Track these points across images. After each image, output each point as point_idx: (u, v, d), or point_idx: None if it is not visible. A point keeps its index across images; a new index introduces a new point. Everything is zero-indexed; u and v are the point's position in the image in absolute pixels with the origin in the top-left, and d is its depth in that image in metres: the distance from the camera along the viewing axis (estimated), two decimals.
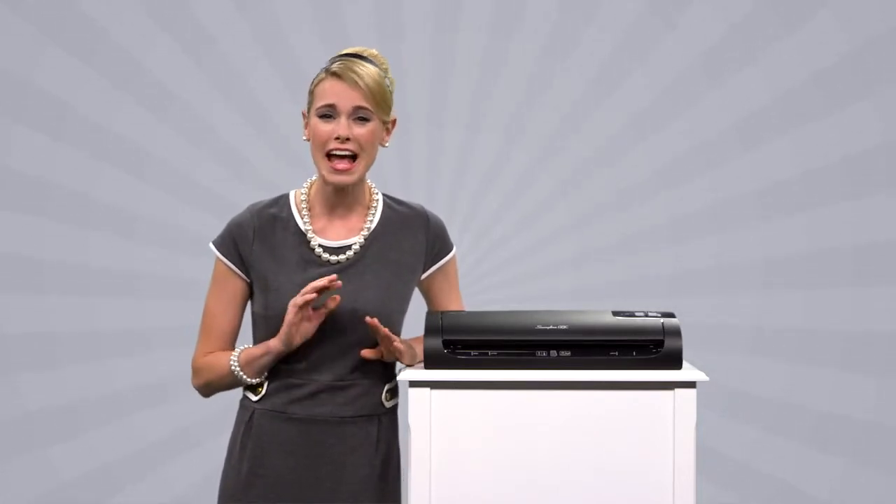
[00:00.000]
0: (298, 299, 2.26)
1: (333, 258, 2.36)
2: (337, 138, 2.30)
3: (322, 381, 2.35)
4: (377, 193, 2.44)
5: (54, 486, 3.98)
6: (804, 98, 3.99)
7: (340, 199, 2.38)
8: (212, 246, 2.40)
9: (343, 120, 2.30)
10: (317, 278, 2.31)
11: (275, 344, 2.33)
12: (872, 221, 3.98)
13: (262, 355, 2.34)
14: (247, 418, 2.38)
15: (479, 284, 3.90)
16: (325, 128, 2.30)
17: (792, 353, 3.99)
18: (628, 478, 2.15)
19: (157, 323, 3.95)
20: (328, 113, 2.31)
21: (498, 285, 3.97)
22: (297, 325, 2.29)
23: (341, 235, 2.39)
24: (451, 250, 2.47)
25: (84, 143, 3.98)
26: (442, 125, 4.00)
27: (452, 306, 2.49)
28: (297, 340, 2.31)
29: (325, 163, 2.32)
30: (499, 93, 4.02)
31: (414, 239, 2.42)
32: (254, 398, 2.38)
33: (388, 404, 2.40)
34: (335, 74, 2.30)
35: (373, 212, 2.41)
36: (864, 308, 3.98)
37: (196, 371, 2.42)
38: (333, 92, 2.30)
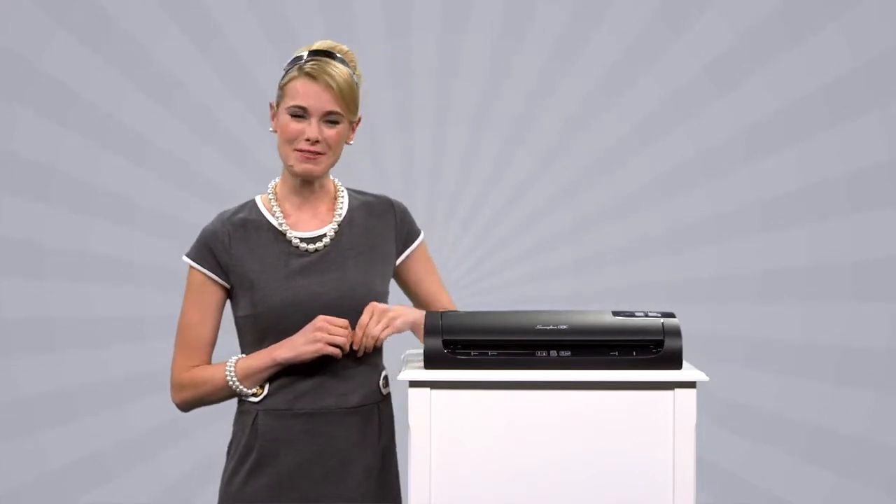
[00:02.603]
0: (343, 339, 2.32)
1: (311, 247, 2.39)
2: (307, 140, 2.34)
3: (324, 372, 2.36)
4: (341, 186, 2.48)
5: (46, 472, 3.98)
6: (809, 111, 3.99)
7: (309, 192, 2.42)
8: (186, 259, 2.40)
9: (314, 122, 2.34)
10: (299, 268, 2.36)
11: (283, 355, 2.33)
12: (873, 237, 3.98)
13: (266, 367, 2.35)
14: (250, 422, 2.37)
15: (479, 285, 3.90)
16: (296, 126, 2.34)
17: (787, 365, 3.99)
18: (628, 478, 2.15)
19: (154, 312, 3.95)
20: (299, 113, 2.34)
21: (498, 286, 3.97)
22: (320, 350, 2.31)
23: (314, 226, 2.42)
24: (420, 233, 2.51)
25: (88, 131, 3.98)
26: (446, 125, 4.01)
27: (437, 291, 2.52)
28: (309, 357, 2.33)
29: (293, 155, 2.36)
30: (504, 94, 4.02)
31: (383, 224, 2.46)
32: (255, 400, 2.37)
33: (384, 391, 2.42)
34: (309, 75, 2.34)
35: (341, 201, 2.44)
36: (862, 324, 3.98)
37: (180, 387, 2.40)
38: (306, 93, 2.34)
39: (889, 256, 3.98)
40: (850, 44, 3.98)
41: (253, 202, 2.43)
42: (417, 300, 2.52)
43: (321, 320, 2.31)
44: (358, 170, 3.79)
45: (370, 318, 2.33)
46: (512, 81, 4.02)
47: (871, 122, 3.98)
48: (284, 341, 2.34)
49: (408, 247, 2.49)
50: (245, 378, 2.35)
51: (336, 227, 2.41)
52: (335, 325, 2.31)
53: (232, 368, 2.36)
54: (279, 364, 2.34)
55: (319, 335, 2.30)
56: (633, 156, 4.04)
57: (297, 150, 2.35)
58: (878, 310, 3.98)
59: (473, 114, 4.01)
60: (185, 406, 2.42)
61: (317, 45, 2.39)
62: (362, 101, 2.41)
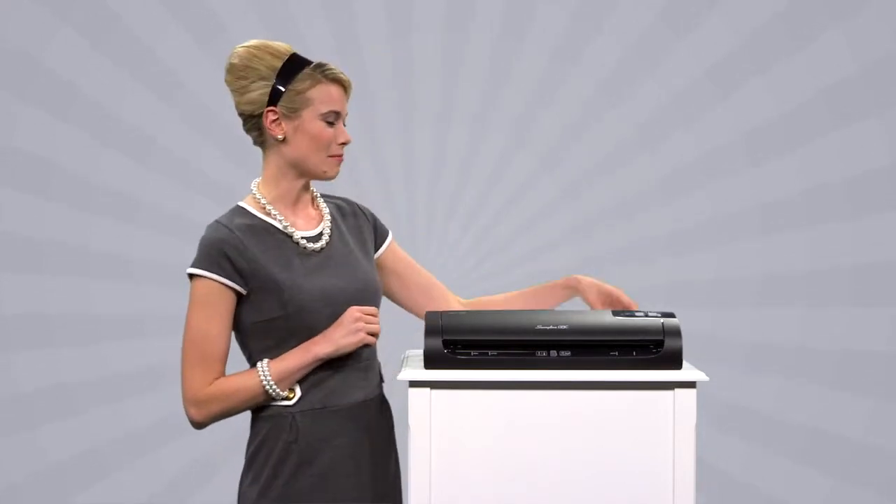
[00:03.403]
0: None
1: (317, 246, 2.40)
2: (343, 143, 2.41)
3: (347, 366, 2.37)
4: (315, 190, 2.52)
5: (44, 468, 3.98)
6: (810, 114, 4.00)
7: (302, 194, 2.44)
8: (197, 270, 2.34)
9: (341, 125, 2.41)
10: (315, 266, 2.37)
11: (324, 350, 2.33)
12: (874, 241, 3.99)
13: (306, 366, 2.33)
14: (286, 426, 2.35)
15: (479, 286, 3.90)
16: (331, 131, 2.39)
17: (786, 369, 3.99)
18: (628, 478, 2.15)
19: (153, 309, 3.95)
20: (333, 119, 2.40)
21: (499, 287, 3.96)
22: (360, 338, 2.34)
23: (311, 226, 2.44)
24: (389, 230, 2.58)
25: (89, 126, 3.99)
26: (447, 125, 4.01)
27: (426, 272, 2.58)
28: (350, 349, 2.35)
29: (328, 161, 2.40)
30: (505, 95, 4.03)
31: (359, 223, 2.51)
32: (289, 404, 2.35)
33: (384, 380, 2.47)
34: (336, 80, 2.39)
35: (322, 203, 2.48)
36: (861, 328, 3.98)
37: (202, 402, 2.34)
38: (339, 99, 2.40)
39: (889, 260, 3.98)
40: (851, 48, 3.98)
41: (241, 208, 2.41)
42: (410, 285, 2.56)
43: (356, 311, 2.33)
44: (358, 170, 3.80)
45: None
46: (513, 82, 4.02)
47: (873, 126, 3.98)
48: (320, 337, 2.33)
49: (384, 241, 2.54)
50: (281, 380, 2.33)
51: (329, 224, 2.44)
52: (370, 314, 2.35)
53: (266, 373, 2.33)
54: (320, 360, 2.33)
55: (360, 325, 2.32)
56: (634, 158, 4.04)
57: (332, 156, 2.40)
58: (877, 314, 3.98)
59: (474, 114, 4.01)
60: (208, 421, 2.36)
61: (282, 49, 2.40)
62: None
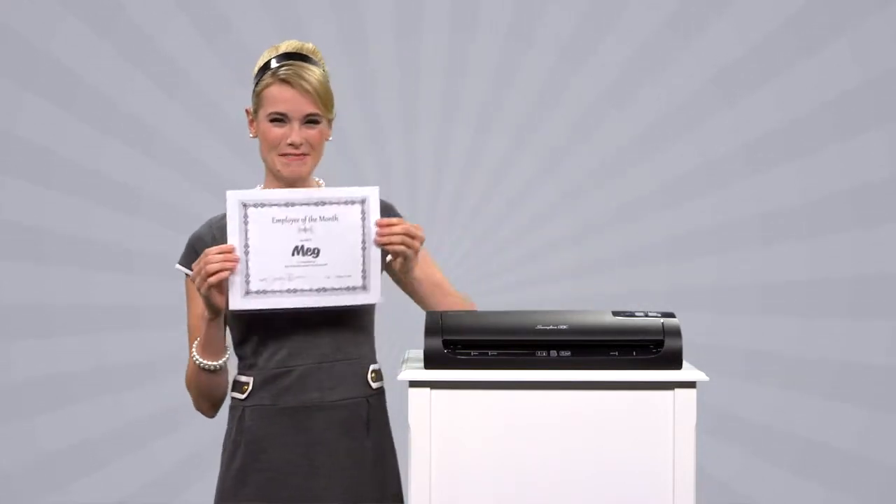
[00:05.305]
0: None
1: None
2: (290, 144, 2.37)
3: (306, 364, 2.37)
4: (324, 185, 2.49)
5: (39, 457, 3.98)
6: (814, 125, 4.00)
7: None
8: (178, 266, 2.43)
9: (296, 126, 2.37)
10: None
11: (203, 306, 2.31)
12: (874, 252, 3.99)
13: (206, 326, 2.31)
14: (237, 417, 2.39)
15: (479, 287, 3.90)
16: (277, 131, 2.37)
17: (783, 378, 3.99)
18: (628, 478, 2.15)
19: (152, 301, 3.95)
20: (280, 118, 2.37)
21: (499, 289, 3.97)
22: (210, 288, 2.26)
23: None
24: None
25: (92, 117, 3.99)
26: (450, 126, 4.01)
27: (439, 277, 2.49)
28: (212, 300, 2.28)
29: (278, 160, 2.38)
30: (509, 97, 4.03)
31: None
32: (241, 396, 2.39)
33: (374, 385, 2.42)
34: (284, 80, 2.36)
35: None
36: (860, 339, 3.98)
37: (188, 389, 2.43)
38: (284, 99, 2.36)
39: (889, 273, 3.98)
40: (856, 59, 3.98)
41: None
42: (424, 292, 2.49)
43: (196, 266, 2.28)
44: (362, 169, 3.80)
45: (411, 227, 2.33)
46: (518, 84, 4.02)
47: (876, 138, 3.99)
48: None
49: None
50: (203, 351, 2.34)
51: None
52: (208, 256, 2.26)
53: (194, 348, 2.36)
54: (208, 318, 2.30)
55: (204, 272, 2.25)
56: (637, 162, 4.04)
57: (282, 155, 2.38)
58: (876, 326, 3.98)
59: (478, 115, 4.01)
60: (201, 408, 2.43)
61: (283, 48, 2.40)
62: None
